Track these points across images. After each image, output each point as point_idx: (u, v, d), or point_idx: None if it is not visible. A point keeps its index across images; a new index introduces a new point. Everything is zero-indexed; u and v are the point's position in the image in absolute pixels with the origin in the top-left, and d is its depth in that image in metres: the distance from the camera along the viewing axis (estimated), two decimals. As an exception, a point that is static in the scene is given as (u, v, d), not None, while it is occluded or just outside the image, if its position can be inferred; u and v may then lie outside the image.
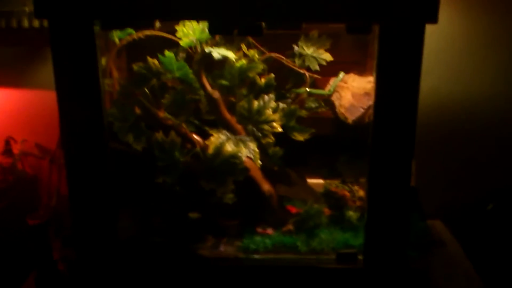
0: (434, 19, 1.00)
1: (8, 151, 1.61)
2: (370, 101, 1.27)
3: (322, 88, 1.38)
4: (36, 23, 1.49)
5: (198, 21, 1.17)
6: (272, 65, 1.35)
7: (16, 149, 1.63)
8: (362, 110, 1.29)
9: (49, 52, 1.53)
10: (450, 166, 1.68)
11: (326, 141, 1.43)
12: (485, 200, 1.65)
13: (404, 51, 1.04)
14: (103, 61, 1.18)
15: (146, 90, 1.23)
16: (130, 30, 1.21)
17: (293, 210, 1.38)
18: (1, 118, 1.64)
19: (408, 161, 1.11)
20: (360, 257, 1.22)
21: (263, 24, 1.06)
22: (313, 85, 1.37)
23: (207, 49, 1.20)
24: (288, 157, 1.36)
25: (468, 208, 1.68)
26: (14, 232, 1.49)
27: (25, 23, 1.49)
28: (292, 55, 1.35)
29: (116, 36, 1.22)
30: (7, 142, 1.62)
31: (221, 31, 1.14)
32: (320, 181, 1.45)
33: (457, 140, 1.65)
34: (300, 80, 1.37)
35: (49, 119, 1.58)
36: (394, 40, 1.03)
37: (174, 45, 1.23)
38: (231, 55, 1.22)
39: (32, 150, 1.65)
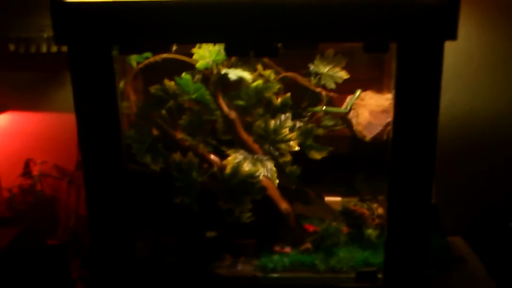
0: (453, 36, 1.00)
1: (27, 172, 1.64)
2: (388, 119, 1.27)
3: (339, 106, 1.38)
4: (54, 48, 1.53)
5: (214, 44, 1.18)
6: (288, 84, 1.36)
7: (35, 170, 1.65)
8: (380, 128, 1.28)
9: (67, 76, 1.58)
10: (470, 181, 1.66)
11: (343, 159, 1.42)
12: (507, 216, 1.62)
13: (423, 68, 1.03)
14: (121, 84, 1.20)
15: (164, 112, 1.24)
16: (147, 54, 1.22)
17: (311, 228, 1.37)
18: (21, 140, 1.67)
19: (429, 179, 1.10)
20: (379, 275, 1.21)
21: (279, 44, 1.07)
22: (330, 103, 1.37)
23: (223, 71, 1.21)
24: (305, 175, 1.35)
25: (489, 224, 1.66)
26: (33, 252, 1.50)
27: (44, 49, 1.53)
28: (307, 74, 1.36)
29: (134, 59, 1.24)
30: (27, 164, 1.64)
31: (238, 53, 1.14)
32: (338, 199, 1.45)
33: (476, 155, 1.64)
34: (316, 99, 1.37)
35: (67, 141, 1.61)
36: (413, 58, 1.03)
37: (189, 67, 1.24)
38: (247, 75, 1.23)
39: (51, 172, 1.67)
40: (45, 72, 1.61)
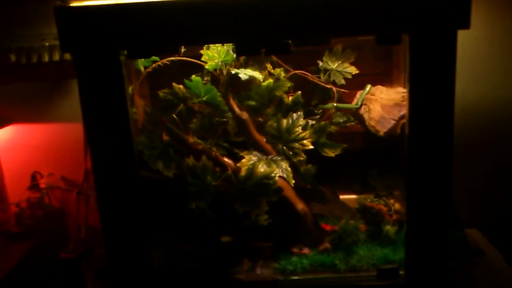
0: (466, 25, 0.99)
1: (35, 185, 1.61)
2: (400, 112, 1.25)
3: (349, 102, 1.36)
4: (56, 57, 1.50)
5: (223, 44, 1.16)
6: (297, 82, 1.34)
7: (42, 183, 1.62)
8: (393, 122, 1.26)
9: (70, 85, 1.58)
10: (482, 172, 1.64)
11: (355, 155, 1.40)
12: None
13: (437, 59, 1.02)
14: (129, 89, 1.18)
15: (174, 116, 1.22)
16: (154, 58, 1.20)
17: (327, 227, 1.35)
18: (26, 153, 1.64)
19: (448, 171, 1.08)
20: (401, 272, 1.19)
21: (290, 41, 1.05)
22: (339, 99, 1.35)
23: (233, 71, 1.19)
24: (318, 174, 1.33)
25: (504, 214, 1.64)
26: (47, 267, 1.47)
27: (45, 58, 1.50)
28: (316, 71, 1.34)
29: (141, 64, 1.21)
30: (34, 177, 1.61)
31: (248, 52, 1.13)
32: (352, 196, 1.43)
33: (488, 145, 1.62)
34: (326, 96, 1.35)
35: (74, 151, 1.58)
36: (426, 48, 1.01)
37: (194, 69, 1.22)
38: (258, 75, 1.21)
39: (59, 183, 1.65)
40: (48, 82, 1.58)
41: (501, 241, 1.51)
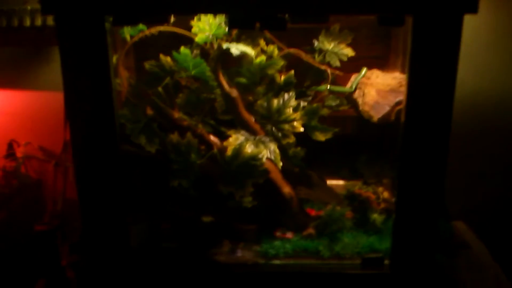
0: (474, 9, 0.95)
1: (11, 154, 1.55)
2: (396, 98, 1.21)
3: (343, 85, 1.32)
4: (38, 22, 1.43)
5: (215, 15, 1.11)
6: (290, 61, 1.29)
7: (19, 152, 1.57)
8: (388, 108, 1.22)
9: (52, 52, 1.51)
10: (473, 164, 1.62)
11: (346, 140, 1.37)
12: (510, 200, 1.59)
13: (440, 44, 0.98)
14: (113, 59, 1.12)
15: (160, 89, 1.17)
16: (141, 27, 1.14)
17: (312, 212, 1.32)
18: (4, 120, 1.58)
19: (442, 162, 1.05)
20: (386, 261, 1.17)
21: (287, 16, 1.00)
22: (333, 81, 1.31)
23: (225, 45, 1.14)
24: (306, 157, 1.30)
25: (492, 208, 1.63)
26: (19, 238, 1.44)
27: (27, 22, 1.43)
28: (311, 51, 1.30)
29: (128, 32, 1.15)
30: (10, 145, 1.56)
31: (242, 25, 1.07)
32: (340, 182, 1.40)
33: (481, 138, 1.59)
34: (319, 77, 1.31)
35: (53, 121, 1.53)
36: (430, 32, 0.97)
37: (184, 41, 1.16)
38: (250, 51, 1.16)
39: (36, 153, 1.59)
40: (28, 47, 1.51)
41: (487, 235, 1.49)
